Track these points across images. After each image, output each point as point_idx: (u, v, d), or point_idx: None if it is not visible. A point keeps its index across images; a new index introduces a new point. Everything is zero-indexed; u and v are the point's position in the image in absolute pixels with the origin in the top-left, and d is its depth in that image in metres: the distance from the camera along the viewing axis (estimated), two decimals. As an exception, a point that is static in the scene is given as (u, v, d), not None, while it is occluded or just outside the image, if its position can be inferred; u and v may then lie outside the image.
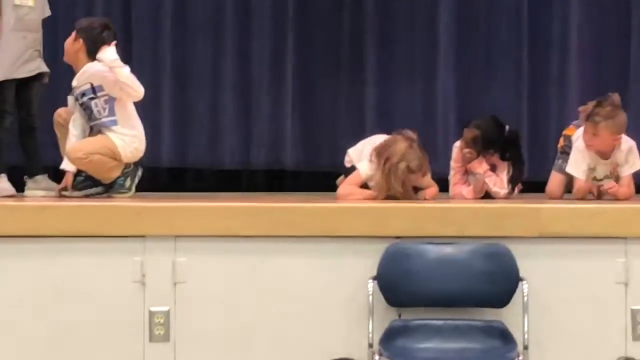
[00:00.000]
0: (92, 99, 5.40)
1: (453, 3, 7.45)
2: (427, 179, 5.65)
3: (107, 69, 5.37)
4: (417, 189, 5.55)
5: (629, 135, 5.85)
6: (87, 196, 5.29)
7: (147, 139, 5.71)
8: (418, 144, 5.54)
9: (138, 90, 5.41)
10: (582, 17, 7.45)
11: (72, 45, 5.55)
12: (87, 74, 5.42)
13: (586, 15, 7.43)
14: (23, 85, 5.90)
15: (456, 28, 7.39)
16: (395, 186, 5.38)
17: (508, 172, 5.97)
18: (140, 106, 5.88)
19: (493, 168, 5.94)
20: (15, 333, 4.65)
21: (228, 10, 7.35)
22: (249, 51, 7.28)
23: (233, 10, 7.34)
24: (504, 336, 4.53)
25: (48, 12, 6.07)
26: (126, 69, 5.44)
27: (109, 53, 5.43)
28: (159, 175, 6.85)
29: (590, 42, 7.44)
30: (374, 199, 5.48)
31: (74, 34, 5.56)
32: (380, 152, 5.48)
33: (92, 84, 5.34)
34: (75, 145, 5.31)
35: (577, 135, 5.70)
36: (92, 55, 5.45)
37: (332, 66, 7.41)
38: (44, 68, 5.91)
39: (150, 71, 7.17)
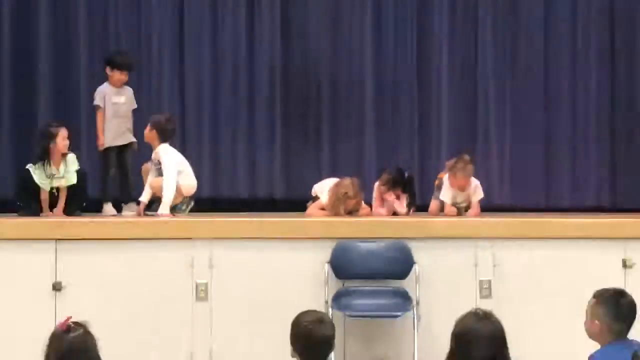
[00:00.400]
0: (160, 166, 7.15)
1: (375, 91, 8.94)
2: (362, 205, 7.51)
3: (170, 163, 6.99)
4: (354, 211, 7.35)
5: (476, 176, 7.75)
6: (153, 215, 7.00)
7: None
8: (356, 183, 7.40)
9: (167, 189, 6.98)
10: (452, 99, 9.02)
11: (149, 133, 7.23)
12: (157, 154, 7.13)
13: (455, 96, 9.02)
14: (121, 150, 7.73)
15: (374, 116, 8.92)
16: (339, 208, 7.27)
17: (407, 199, 7.80)
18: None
19: (397, 197, 7.72)
20: (118, 301, 6.34)
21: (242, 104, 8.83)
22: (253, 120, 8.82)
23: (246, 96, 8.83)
24: (405, 296, 6.40)
25: (135, 105, 7.82)
26: (168, 173, 6.98)
27: (166, 156, 7.05)
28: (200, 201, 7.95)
29: (457, 119, 9.01)
30: (328, 215, 7.27)
31: (149, 125, 7.26)
32: (333, 188, 7.40)
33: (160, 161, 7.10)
34: (156, 179, 7.10)
35: (446, 176, 7.66)
36: (162, 140, 7.16)
37: (303, 134, 8.96)
38: (132, 139, 7.69)
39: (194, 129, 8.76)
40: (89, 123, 8.32)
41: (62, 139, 7.13)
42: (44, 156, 7.09)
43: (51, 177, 7.13)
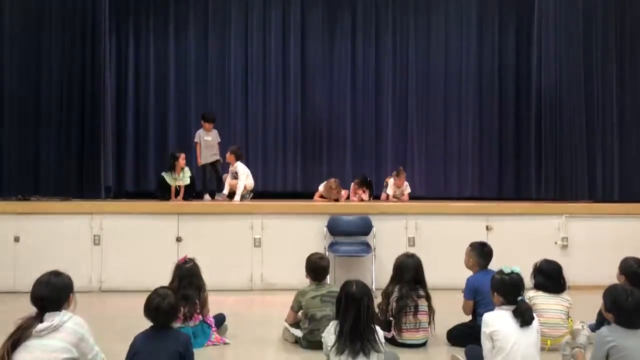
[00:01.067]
0: (236, 174, 9.76)
1: (352, 133, 11.44)
2: (343, 194, 9.89)
3: (243, 172, 9.36)
4: (338, 198, 9.75)
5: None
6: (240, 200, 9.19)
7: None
8: (338, 181, 10.00)
9: (240, 187, 9.13)
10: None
11: (229, 156, 9.53)
12: (235, 167, 9.61)
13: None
14: (212, 165, 10.36)
15: (351, 147, 11.54)
16: (329, 195, 9.73)
17: (368, 193, 10.37)
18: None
19: (363, 191, 10.28)
20: (212, 248, 8.57)
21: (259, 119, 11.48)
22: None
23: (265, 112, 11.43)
24: (368, 245, 8.71)
25: (219, 139, 10.19)
26: (242, 182, 9.17)
27: (240, 168, 9.34)
28: (256, 193, 10.13)
29: (395, 147, 11.31)
30: (324, 200, 9.68)
31: (229, 152, 9.62)
32: (325, 184, 9.93)
33: (237, 172, 9.74)
34: (232, 182, 9.61)
35: (390, 180, 10.43)
36: (237, 159, 9.72)
37: (312, 156, 11.85)
38: (218, 158, 10.21)
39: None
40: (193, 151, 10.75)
41: (182, 159, 9.81)
42: (172, 168, 9.76)
43: (175, 179, 9.75)
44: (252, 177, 10.00)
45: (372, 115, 11.80)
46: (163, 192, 9.61)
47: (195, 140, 10.34)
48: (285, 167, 11.88)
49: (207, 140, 10.29)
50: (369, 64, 11.72)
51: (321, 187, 10.10)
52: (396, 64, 11.70)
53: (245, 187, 9.73)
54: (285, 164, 11.91)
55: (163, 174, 9.78)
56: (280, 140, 11.98)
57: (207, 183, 10.32)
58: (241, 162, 9.94)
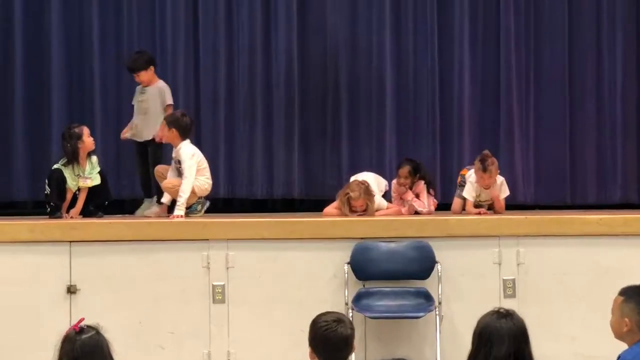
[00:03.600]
0: (180, 165, 7.23)
1: (395, 87, 8.76)
2: (380, 204, 7.39)
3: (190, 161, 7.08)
4: (366, 209, 7.25)
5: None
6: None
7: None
8: (363, 185, 7.37)
9: (186, 190, 7.03)
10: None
11: (168, 132, 7.27)
12: (179, 152, 7.19)
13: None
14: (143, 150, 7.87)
15: (394, 114, 8.84)
16: (344, 208, 7.25)
17: (427, 196, 7.69)
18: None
19: (417, 196, 7.63)
20: (133, 304, 6.38)
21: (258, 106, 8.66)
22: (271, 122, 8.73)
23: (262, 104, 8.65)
24: (427, 296, 6.40)
25: (168, 100, 7.85)
26: (189, 174, 7.05)
27: (185, 152, 7.11)
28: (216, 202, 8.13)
29: (479, 115, 8.93)
30: (339, 215, 7.24)
31: (165, 124, 7.33)
32: (341, 190, 7.41)
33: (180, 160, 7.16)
34: (169, 180, 7.19)
35: (469, 174, 7.60)
36: (183, 137, 7.26)
37: (322, 133, 8.91)
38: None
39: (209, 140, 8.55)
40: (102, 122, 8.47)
41: (87, 136, 7.29)
42: (74, 156, 7.23)
43: (77, 177, 7.29)
44: (210, 171, 7.63)
45: (434, 60, 9.03)
46: (60, 202, 7.36)
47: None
48: (271, 156, 9.01)
49: (140, 103, 7.99)
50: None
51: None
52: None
53: (194, 190, 7.33)
54: (272, 149, 9.02)
55: (58, 166, 7.38)
56: (262, 107, 9.01)
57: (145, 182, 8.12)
58: (188, 142, 7.46)
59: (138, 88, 7.87)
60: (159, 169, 7.45)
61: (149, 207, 7.70)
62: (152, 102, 7.82)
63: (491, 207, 7.78)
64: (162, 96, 7.83)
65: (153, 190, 7.96)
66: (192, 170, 7.17)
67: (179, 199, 7.17)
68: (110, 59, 8.96)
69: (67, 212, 7.31)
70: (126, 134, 7.92)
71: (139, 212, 7.71)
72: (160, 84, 7.86)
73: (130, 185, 8.42)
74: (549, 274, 6.74)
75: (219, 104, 8.97)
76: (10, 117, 8.89)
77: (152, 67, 7.82)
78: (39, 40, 8.94)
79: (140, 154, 7.93)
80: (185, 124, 7.41)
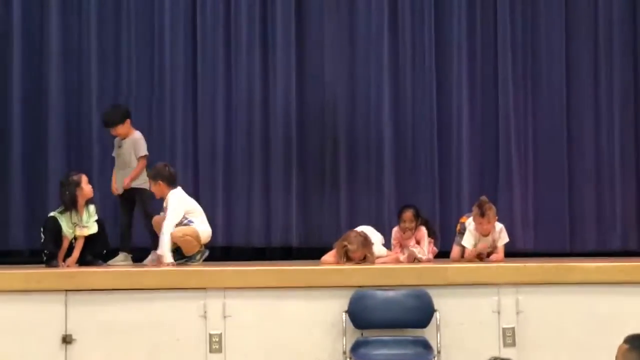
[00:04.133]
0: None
1: (393, 136, 8.80)
2: (378, 252, 7.33)
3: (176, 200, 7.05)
4: (365, 258, 7.17)
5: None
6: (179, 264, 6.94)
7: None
8: (361, 236, 7.28)
9: (165, 232, 6.96)
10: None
11: (156, 186, 7.22)
12: (167, 199, 7.14)
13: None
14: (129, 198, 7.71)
15: (393, 161, 8.85)
16: (341, 259, 7.18)
17: (429, 242, 7.61)
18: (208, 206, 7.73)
19: (418, 242, 7.53)
20: (129, 354, 6.30)
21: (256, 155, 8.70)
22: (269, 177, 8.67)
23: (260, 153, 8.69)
24: (426, 345, 6.26)
25: (141, 151, 7.69)
26: (170, 216, 7.00)
27: (173, 195, 7.13)
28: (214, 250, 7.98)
29: (478, 163, 8.89)
30: (337, 264, 7.12)
31: (151, 180, 7.30)
32: (339, 239, 7.30)
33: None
34: (180, 229, 7.05)
35: (468, 222, 7.49)
36: (170, 186, 7.21)
37: (320, 180, 8.92)
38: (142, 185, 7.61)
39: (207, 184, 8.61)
40: (100, 171, 8.33)
41: (85, 184, 7.16)
42: (73, 203, 7.10)
43: (74, 225, 7.16)
44: (207, 220, 7.57)
45: (432, 109, 8.99)
46: (55, 251, 7.23)
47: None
48: (270, 204, 8.88)
49: (118, 156, 7.93)
50: (418, 17, 9.04)
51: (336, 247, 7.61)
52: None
53: (198, 237, 7.33)
54: (270, 198, 8.89)
55: (54, 214, 7.26)
56: (259, 155, 8.90)
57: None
58: (179, 189, 7.45)
59: (116, 141, 7.76)
60: (158, 219, 7.36)
61: (124, 260, 7.57)
62: (128, 155, 7.72)
63: (490, 255, 7.66)
64: (135, 148, 7.72)
65: (130, 243, 7.81)
66: (176, 212, 7.11)
67: (160, 243, 7.09)
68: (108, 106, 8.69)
69: (64, 260, 7.08)
70: (117, 191, 7.80)
71: (111, 262, 7.58)
72: (136, 135, 7.74)
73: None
74: (548, 322, 6.60)
75: (218, 154, 8.91)
76: (7, 165, 8.78)
77: (128, 120, 7.69)
78: (37, 87, 8.83)
79: (123, 205, 7.79)
80: (169, 173, 7.35)
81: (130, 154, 7.65)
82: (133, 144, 7.61)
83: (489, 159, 9.02)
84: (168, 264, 6.96)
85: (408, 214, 7.63)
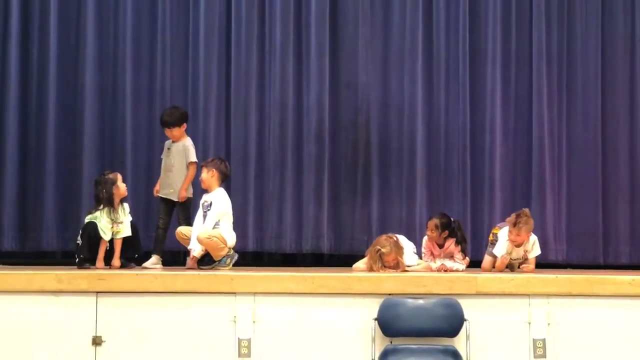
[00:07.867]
0: (209, 208, 7.21)
1: (426, 144, 8.77)
2: (410, 261, 7.31)
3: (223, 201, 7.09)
4: (397, 265, 7.14)
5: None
6: (209, 269, 7.00)
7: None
8: (393, 240, 7.26)
9: (206, 227, 7.05)
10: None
11: (208, 174, 7.27)
12: (212, 195, 7.18)
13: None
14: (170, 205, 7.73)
15: (425, 170, 8.83)
16: (375, 265, 7.16)
17: (460, 251, 7.56)
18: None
19: (450, 253, 7.50)
20: (158, 357, 6.26)
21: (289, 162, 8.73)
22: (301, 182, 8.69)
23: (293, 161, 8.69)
24: (455, 355, 6.17)
25: (190, 157, 7.72)
26: (212, 215, 7.07)
27: (217, 196, 7.15)
28: (245, 255, 8.09)
29: (510, 173, 8.87)
30: (369, 270, 7.11)
31: (208, 168, 7.31)
32: (371, 245, 7.30)
33: (212, 202, 7.17)
34: (205, 231, 7.07)
35: (501, 231, 7.46)
36: (220, 182, 7.27)
37: (352, 188, 8.91)
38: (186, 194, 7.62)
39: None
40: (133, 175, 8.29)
41: (120, 182, 7.24)
42: (110, 201, 7.16)
43: (113, 221, 7.21)
44: (240, 227, 7.88)
45: (466, 117, 8.88)
46: (92, 255, 7.24)
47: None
48: (300, 210, 8.80)
49: (166, 159, 7.87)
50: (453, 25, 8.90)
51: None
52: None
53: (225, 241, 7.23)
54: (302, 204, 8.82)
55: (90, 217, 7.24)
56: (291, 161, 8.83)
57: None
58: (221, 187, 7.41)
59: (167, 143, 7.72)
60: (182, 230, 7.37)
61: (157, 263, 7.60)
62: (177, 159, 7.71)
63: (521, 265, 7.57)
64: (186, 153, 7.71)
65: (163, 246, 7.81)
66: (224, 209, 7.15)
67: (192, 239, 7.14)
68: (142, 113, 8.80)
69: (106, 264, 7.22)
70: (158, 193, 7.79)
71: (145, 264, 7.60)
72: (187, 141, 7.72)
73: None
74: (580, 335, 6.48)
75: (250, 160, 8.84)
76: (41, 168, 8.75)
77: (184, 124, 7.67)
78: (72, 92, 8.80)
79: (162, 208, 7.80)
80: (226, 168, 7.35)
81: (179, 159, 7.68)
82: (184, 149, 7.64)
83: (522, 169, 8.94)
84: (193, 257, 7.04)
85: (431, 222, 7.62)
